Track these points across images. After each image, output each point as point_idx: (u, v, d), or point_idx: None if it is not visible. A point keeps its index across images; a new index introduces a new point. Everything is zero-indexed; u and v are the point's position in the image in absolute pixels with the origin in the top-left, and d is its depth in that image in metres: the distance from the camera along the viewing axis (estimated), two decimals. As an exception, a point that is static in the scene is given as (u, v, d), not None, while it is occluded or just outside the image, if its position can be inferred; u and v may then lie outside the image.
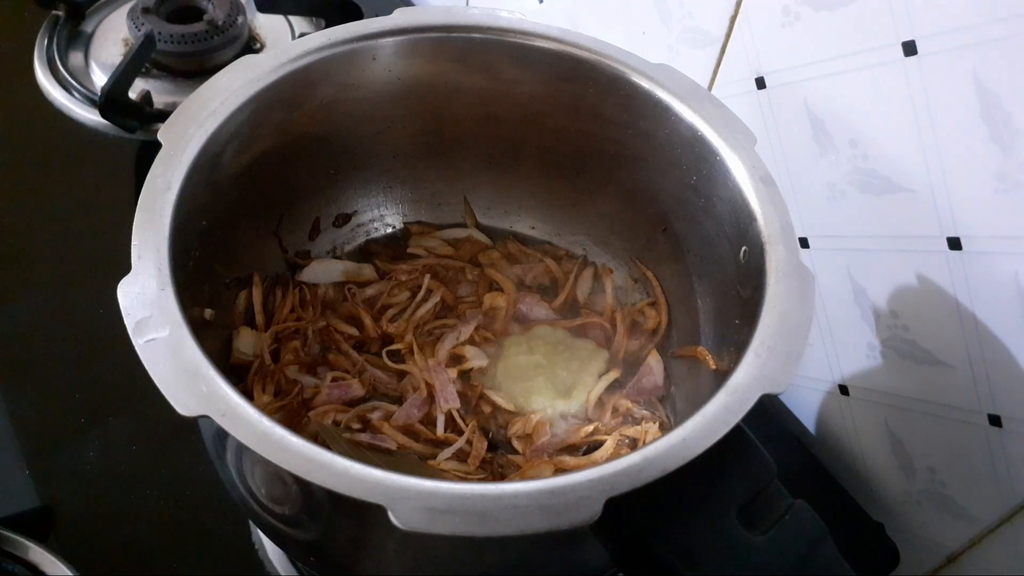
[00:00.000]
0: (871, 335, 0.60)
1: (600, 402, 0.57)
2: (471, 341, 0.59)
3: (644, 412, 0.57)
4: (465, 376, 0.58)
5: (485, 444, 0.54)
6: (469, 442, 0.54)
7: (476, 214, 0.66)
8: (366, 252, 0.64)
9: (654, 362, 0.58)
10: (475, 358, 0.59)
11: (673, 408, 0.58)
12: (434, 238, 0.65)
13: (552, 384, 0.57)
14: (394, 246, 0.65)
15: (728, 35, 0.62)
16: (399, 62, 0.55)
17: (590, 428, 0.55)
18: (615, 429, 0.55)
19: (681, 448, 0.36)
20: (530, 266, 0.64)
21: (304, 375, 0.56)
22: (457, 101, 0.58)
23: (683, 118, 0.51)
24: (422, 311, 0.60)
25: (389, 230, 0.65)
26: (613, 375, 0.58)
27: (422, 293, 0.61)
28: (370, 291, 0.61)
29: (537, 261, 0.64)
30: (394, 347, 0.59)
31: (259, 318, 0.57)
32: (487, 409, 0.56)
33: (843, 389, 0.64)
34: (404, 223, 0.65)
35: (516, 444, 0.55)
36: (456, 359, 0.59)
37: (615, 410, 0.56)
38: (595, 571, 0.45)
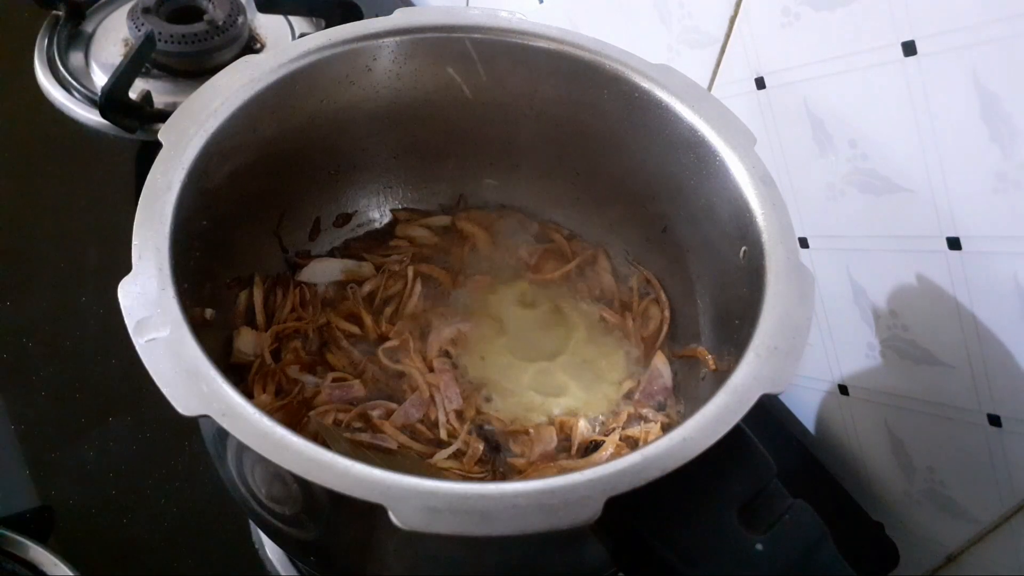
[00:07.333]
0: (871, 335, 0.60)
1: (613, 409, 0.57)
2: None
3: (651, 413, 0.57)
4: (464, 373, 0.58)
5: (481, 447, 0.54)
6: (466, 443, 0.54)
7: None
8: (350, 250, 0.64)
9: (661, 364, 0.58)
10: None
11: (676, 408, 0.57)
12: (420, 226, 0.65)
13: (575, 385, 0.57)
14: (377, 237, 0.65)
15: (728, 35, 0.62)
16: (399, 62, 0.55)
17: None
18: (615, 429, 0.55)
19: (681, 448, 0.36)
20: (518, 221, 0.64)
21: (305, 375, 0.56)
22: (457, 101, 0.58)
23: (683, 118, 0.51)
24: (411, 304, 0.60)
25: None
26: (629, 384, 0.58)
27: (409, 286, 0.61)
28: (368, 287, 0.61)
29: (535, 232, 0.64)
30: (389, 344, 0.58)
31: (260, 318, 0.57)
32: (469, 413, 0.56)
33: (843, 389, 0.64)
34: (391, 211, 0.65)
35: (514, 447, 0.55)
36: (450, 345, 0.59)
37: (620, 415, 0.56)
38: (595, 571, 0.45)
